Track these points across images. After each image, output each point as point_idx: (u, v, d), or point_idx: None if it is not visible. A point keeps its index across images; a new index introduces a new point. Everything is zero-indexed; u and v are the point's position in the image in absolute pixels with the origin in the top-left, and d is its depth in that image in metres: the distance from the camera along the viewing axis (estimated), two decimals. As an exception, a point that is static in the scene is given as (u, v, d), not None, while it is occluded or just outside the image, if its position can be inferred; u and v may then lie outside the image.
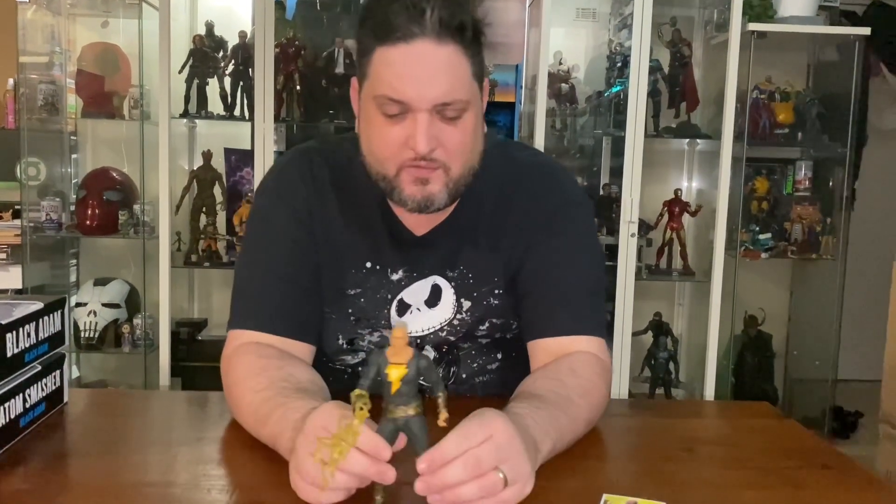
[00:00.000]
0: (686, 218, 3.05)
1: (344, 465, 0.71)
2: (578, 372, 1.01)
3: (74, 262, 3.14)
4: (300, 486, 0.76)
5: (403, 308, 1.12)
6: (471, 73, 0.98)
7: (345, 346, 1.15)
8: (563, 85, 3.04)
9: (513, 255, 1.11)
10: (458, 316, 1.13)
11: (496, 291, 1.12)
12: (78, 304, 2.86)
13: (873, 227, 3.57)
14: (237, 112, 2.88)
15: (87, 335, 2.80)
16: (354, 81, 1.05)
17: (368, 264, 1.11)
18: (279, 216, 1.10)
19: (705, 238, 3.04)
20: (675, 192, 3.03)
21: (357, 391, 0.71)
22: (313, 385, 0.97)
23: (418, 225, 1.10)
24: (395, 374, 0.72)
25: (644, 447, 1.04)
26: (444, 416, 0.74)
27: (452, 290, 1.12)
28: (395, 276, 1.12)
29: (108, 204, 2.82)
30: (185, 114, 2.86)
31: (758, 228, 3.00)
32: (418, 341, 1.13)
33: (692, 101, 3.01)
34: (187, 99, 2.84)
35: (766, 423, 1.12)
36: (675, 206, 3.02)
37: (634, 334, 2.95)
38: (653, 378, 3.08)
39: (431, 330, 1.13)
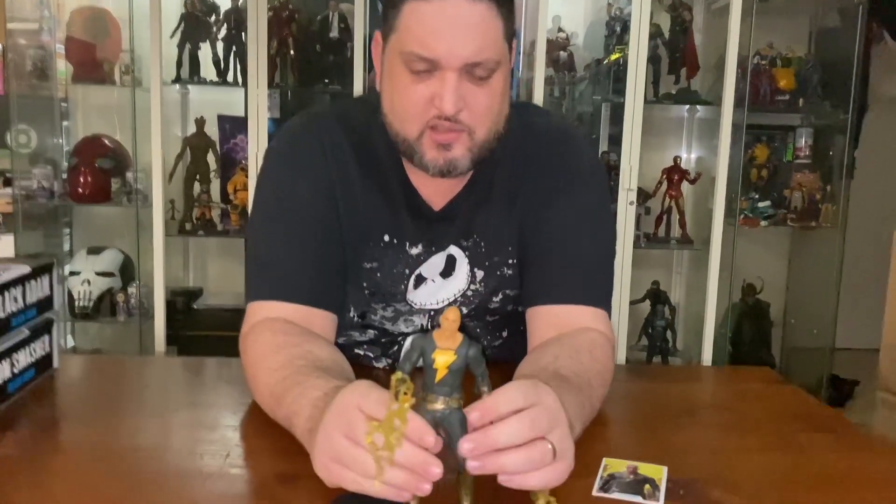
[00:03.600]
0: (685, 186, 3.02)
1: (396, 455, 0.62)
2: (596, 355, 0.97)
3: (68, 231, 3.11)
4: (337, 472, 0.67)
5: (419, 282, 1.10)
6: (503, 32, 0.94)
7: (356, 319, 1.13)
8: (562, 53, 2.99)
9: (525, 221, 1.08)
10: (472, 287, 1.10)
11: (510, 261, 1.10)
12: (72, 273, 2.84)
13: (873, 196, 3.55)
14: (230, 78, 2.83)
15: (81, 304, 2.78)
16: (378, 35, 1.01)
17: (387, 238, 1.08)
18: (301, 189, 1.04)
19: (704, 206, 3.01)
20: (675, 159, 3.00)
21: (399, 374, 0.63)
22: (335, 364, 0.91)
23: (437, 197, 1.07)
24: (442, 360, 0.65)
25: (644, 412, 1.02)
26: None
27: (467, 260, 1.09)
28: (413, 251, 1.09)
29: (101, 172, 2.79)
30: (177, 79, 2.82)
31: (757, 196, 2.98)
32: (431, 313, 1.11)
33: (692, 67, 2.97)
34: (179, 64, 2.79)
35: (768, 389, 1.11)
36: (674, 173, 2.99)
37: (632, 303, 2.93)
38: (650, 347, 3.07)
39: (446, 301, 1.11)
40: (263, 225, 1.07)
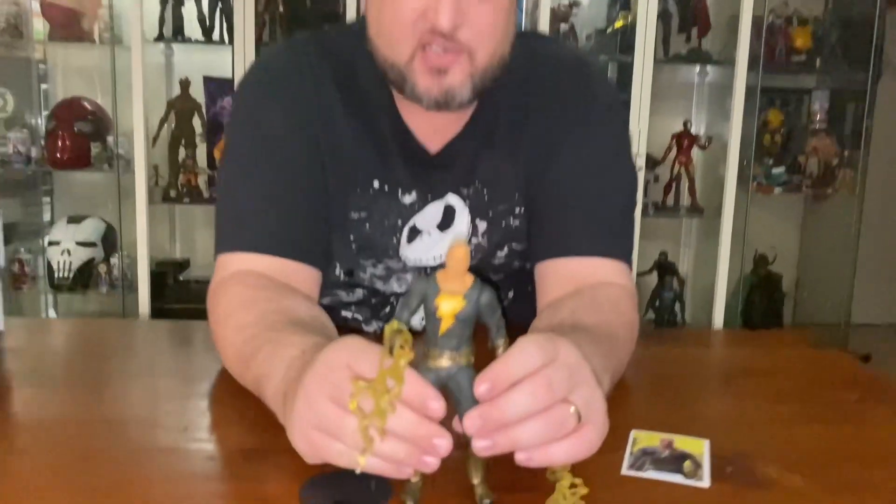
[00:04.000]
0: (695, 152, 2.88)
1: (390, 423, 0.50)
2: (621, 308, 0.84)
3: (48, 199, 2.97)
4: (322, 444, 0.53)
5: (413, 235, 0.97)
6: None
7: (342, 277, 0.99)
8: (563, 24, 2.84)
9: (533, 164, 0.94)
10: (474, 240, 0.97)
11: (516, 210, 0.96)
12: (51, 243, 2.70)
13: (889, 162, 3.40)
14: (216, 36, 2.68)
15: (60, 275, 2.65)
16: None
17: (377, 184, 0.94)
18: (275, 120, 0.91)
19: (714, 173, 2.88)
20: (685, 123, 2.86)
21: (395, 324, 0.51)
22: (315, 321, 0.78)
23: (433, 139, 0.94)
24: (448, 307, 0.53)
25: (672, 379, 0.89)
26: None
27: (467, 210, 0.96)
28: (406, 199, 0.95)
29: (80, 136, 2.64)
30: (159, 37, 2.67)
31: (771, 162, 2.84)
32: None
33: (704, 26, 2.82)
34: (162, 21, 2.64)
35: (808, 353, 0.98)
36: (684, 138, 2.85)
37: (639, 275, 2.81)
38: (657, 320, 2.95)
39: (444, 258, 0.97)
40: (235, 166, 0.93)
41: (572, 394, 0.54)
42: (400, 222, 0.96)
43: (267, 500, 0.58)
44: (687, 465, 0.64)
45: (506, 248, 0.98)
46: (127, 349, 0.97)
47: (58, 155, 2.63)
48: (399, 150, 0.93)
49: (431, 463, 0.52)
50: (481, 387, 0.51)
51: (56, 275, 2.65)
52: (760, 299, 3.01)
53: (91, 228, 2.73)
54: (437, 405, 0.51)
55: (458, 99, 0.84)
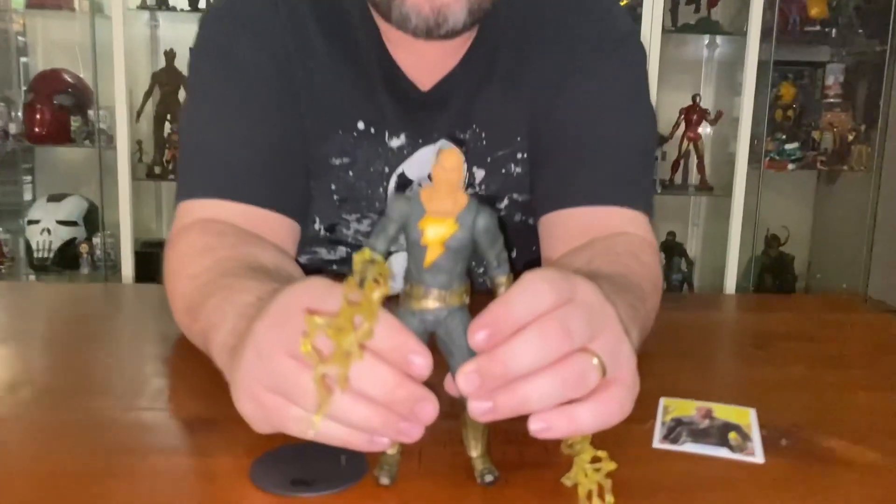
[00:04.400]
0: (704, 127, 2.75)
1: (361, 381, 0.38)
2: (643, 259, 0.72)
3: (29, 178, 2.84)
4: (273, 407, 0.42)
5: (402, 185, 0.85)
6: None
7: (322, 232, 0.87)
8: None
9: (538, 103, 0.83)
10: (470, 191, 0.85)
11: (518, 156, 0.85)
12: (30, 223, 2.57)
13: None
14: (203, 5, 2.55)
15: (40, 255, 2.52)
16: None
17: (361, 125, 0.83)
18: (245, 52, 0.79)
19: (724, 150, 2.75)
20: (693, 98, 2.73)
21: (366, 252, 0.39)
22: (280, 270, 0.66)
23: (424, 74, 0.82)
24: (436, 232, 0.41)
25: (702, 344, 0.78)
26: None
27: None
28: (394, 143, 0.84)
29: (59, 109, 2.51)
30: (143, 6, 2.54)
31: (784, 137, 2.71)
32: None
33: (714, -5, 2.69)
34: (145, -12, 2.51)
35: (858, 318, 0.86)
36: (693, 113, 2.72)
37: (645, 255, 2.68)
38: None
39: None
40: (199, 103, 0.81)
41: (594, 342, 0.42)
42: (387, 169, 0.84)
43: (214, 477, 0.46)
44: (733, 436, 0.52)
45: (506, 200, 0.86)
46: (68, 312, 0.85)
47: (35, 129, 2.50)
48: (386, 87, 0.82)
49: (412, 432, 0.40)
50: (478, 334, 0.39)
51: (35, 255, 2.53)
52: (773, 282, 2.89)
53: (72, 207, 2.61)
54: (422, 361, 0.39)
55: (453, 23, 0.72)
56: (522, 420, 0.54)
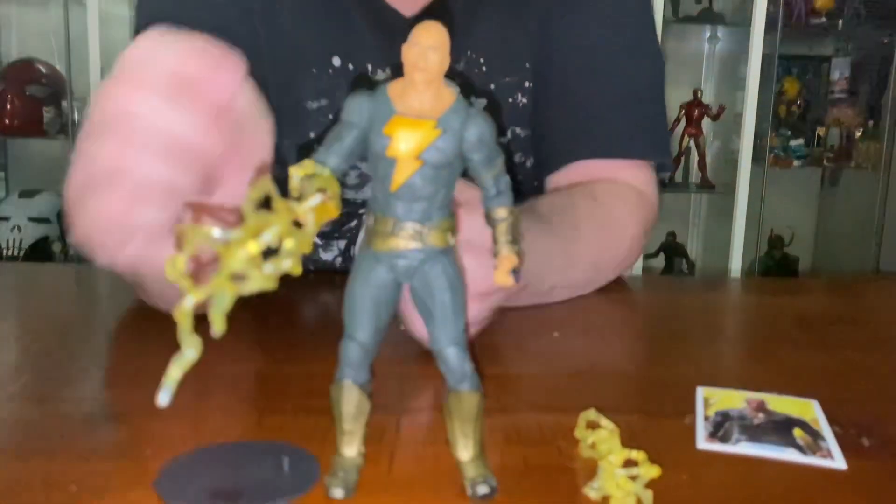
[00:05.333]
0: (706, 123, 2.64)
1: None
2: (604, 199, 0.69)
3: (2, 173, 2.71)
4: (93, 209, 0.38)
5: None
6: None
7: None
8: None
9: (542, 30, 0.75)
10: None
11: (526, 84, 0.75)
12: (0, 220, 2.44)
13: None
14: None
15: (10, 253, 2.39)
16: None
17: (337, 61, 0.73)
18: None
19: (727, 147, 2.65)
20: (695, 92, 2.62)
21: (308, 164, 0.28)
22: None
23: (408, 1, 0.72)
24: (408, 140, 0.29)
25: (737, 328, 0.66)
26: (502, 268, 0.32)
27: (458, 91, 0.74)
28: (378, 79, 0.74)
29: (31, 100, 2.38)
30: (120, -8, 2.42)
31: (789, 133, 2.61)
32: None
33: (716, -14, 2.59)
34: (122, -27, 2.39)
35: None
36: (694, 108, 2.62)
37: (645, 257, 2.57)
38: (665, 306, 2.71)
39: None
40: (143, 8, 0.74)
41: None
42: None
43: (103, 490, 0.34)
44: (799, 434, 0.40)
45: (508, 134, 0.76)
46: None
47: (6, 120, 2.38)
48: (364, 15, 0.71)
49: None
50: None
51: (4, 253, 2.39)
52: (776, 284, 2.78)
53: (45, 203, 2.48)
54: None
55: None
56: (528, 412, 0.42)
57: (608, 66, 0.73)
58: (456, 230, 0.32)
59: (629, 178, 0.73)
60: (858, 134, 2.61)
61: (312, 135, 0.73)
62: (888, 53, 2.57)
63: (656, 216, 0.75)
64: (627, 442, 0.36)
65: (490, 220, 0.32)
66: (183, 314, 0.22)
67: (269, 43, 0.71)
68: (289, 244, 0.23)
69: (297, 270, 0.24)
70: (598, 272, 0.67)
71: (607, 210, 0.68)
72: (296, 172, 0.27)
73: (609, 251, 0.67)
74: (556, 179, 0.73)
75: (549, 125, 0.74)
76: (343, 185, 0.74)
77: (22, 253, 2.41)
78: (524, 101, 0.75)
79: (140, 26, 0.71)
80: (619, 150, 0.72)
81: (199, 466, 0.34)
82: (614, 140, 0.72)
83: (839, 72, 2.72)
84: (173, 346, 0.23)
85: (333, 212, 0.26)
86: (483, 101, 0.73)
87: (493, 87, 0.74)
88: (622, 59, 0.73)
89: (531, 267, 0.56)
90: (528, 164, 0.77)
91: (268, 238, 0.23)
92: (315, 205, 0.25)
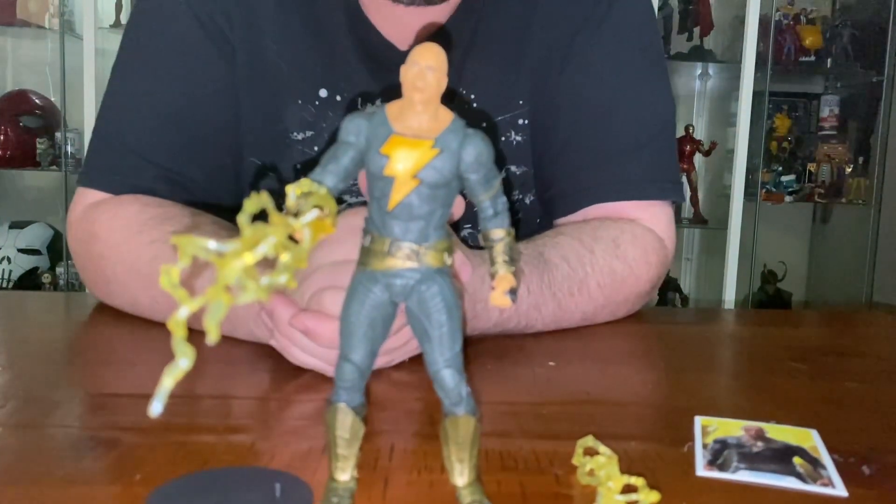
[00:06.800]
0: (698, 159, 2.66)
1: None
2: (600, 234, 0.68)
3: (-7, 205, 2.71)
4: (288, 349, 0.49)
5: None
6: None
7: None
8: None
9: (540, 72, 0.74)
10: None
11: (520, 122, 0.74)
12: (-9, 250, 2.43)
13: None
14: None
15: (-1, 285, 2.38)
16: None
17: (324, 93, 0.72)
18: (168, 14, 0.70)
19: (718, 182, 2.66)
20: (686, 128, 2.65)
21: (305, 182, 0.27)
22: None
23: (404, 34, 0.72)
24: (406, 159, 0.29)
25: (735, 358, 0.66)
26: (499, 289, 0.31)
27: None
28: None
29: (25, 131, 2.39)
30: (116, 25, 2.43)
31: (780, 169, 2.63)
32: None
33: (706, 25, 2.62)
34: (119, 7, 2.41)
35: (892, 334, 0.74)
36: (686, 144, 2.64)
37: (638, 291, 2.57)
38: (658, 341, 2.71)
39: None
40: (114, 78, 0.73)
41: None
42: None
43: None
44: (799, 462, 0.40)
45: (503, 172, 0.75)
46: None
47: (-1, 152, 2.38)
48: (356, 50, 0.71)
49: None
50: None
51: (-6, 284, 2.38)
52: (769, 319, 2.78)
53: (35, 234, 2.47)
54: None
55: None
56: (524, 439, 0.41)
57: (618, 110, 0.72)
58: (453, 250, 0.31)
59: (646, 218, 0.71)
60: (849, 170, 2.63)
61: (298, 166, 0.73)
62: (877, 91, 2.61)
63: (670, 261, 0.73)
64: (625, 470, 0.35)
65: (487, 241, 0.31)
66: (177, 324, 0.21)
67: (253, 72, 0.71)
68: (284, 258, 0.23)
69: (292, 285, 0.24)
70: (591, 321, 0.66)
71: (620, 265, 0.66)
72: (292, 190, 0.27)
73: (607, 308, 0.66)
74: (570, 220, 0.72)
75: (557, 169, 0.73)
76: (350, 191, 0.75)
77: (11, 285, 2.39)
78: (518, 138, 0.74)
79: (114, 92, 0.72)
80: (633, 193, 0.71)
81: (190, 492, 0.33)
82: (628, 183, 0.71)
83: (828, 109, 2.75)
84: (160, 372, 0.23)
85: (330, 228, 0.26)
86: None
87: (484, 125, 0.73)
88: (631, 100, 0.72)
89: (521, 310, 0.57)
90: (528, 200, 0.76)
91: (263, 250, 0.22)
92: (311, 220, 0.25)
